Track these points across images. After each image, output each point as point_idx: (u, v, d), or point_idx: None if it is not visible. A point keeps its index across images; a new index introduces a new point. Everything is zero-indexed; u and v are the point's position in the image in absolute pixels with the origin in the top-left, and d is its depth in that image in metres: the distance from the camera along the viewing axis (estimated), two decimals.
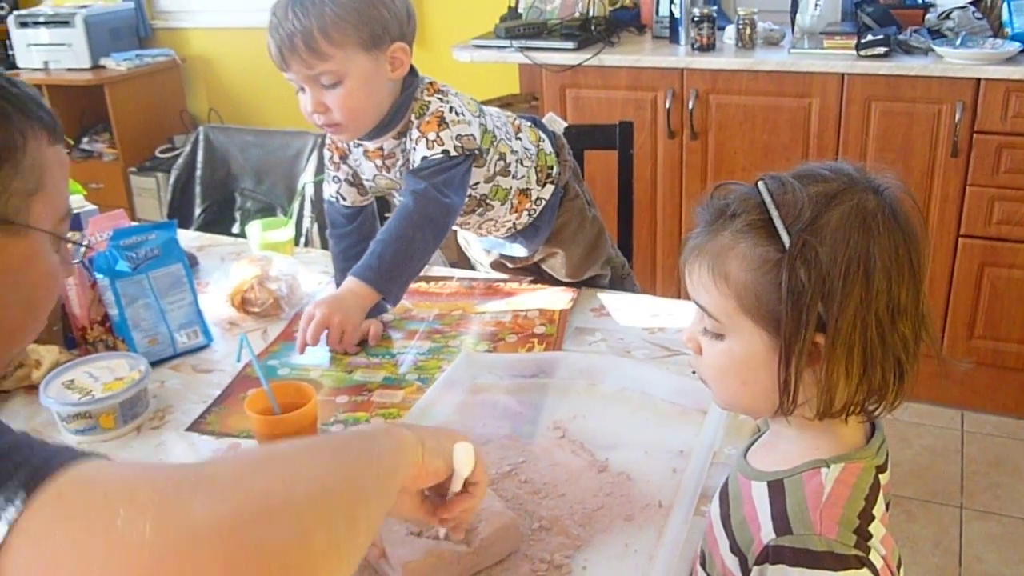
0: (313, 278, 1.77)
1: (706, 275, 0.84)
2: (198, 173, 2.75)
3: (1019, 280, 2.69)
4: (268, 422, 1.17)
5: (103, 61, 4.10)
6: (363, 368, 1.45)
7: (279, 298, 1.63)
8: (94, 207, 1.69)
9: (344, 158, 1.64)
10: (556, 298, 1.65)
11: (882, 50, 2.64)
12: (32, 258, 0.78)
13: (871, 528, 0.80)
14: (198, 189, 2.77)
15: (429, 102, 1.51)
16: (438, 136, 1.48)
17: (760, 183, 0.82)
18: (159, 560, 0.54)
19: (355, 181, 1.66)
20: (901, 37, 2.73)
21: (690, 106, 2.87)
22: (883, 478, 0.86)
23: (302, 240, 2.60)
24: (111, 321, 1.47)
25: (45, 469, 0.57)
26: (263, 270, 1.64)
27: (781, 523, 0.81)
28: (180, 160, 2.82)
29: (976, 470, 2.65)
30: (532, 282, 1.73)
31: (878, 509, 0.82)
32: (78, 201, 1.69)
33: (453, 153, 1.48)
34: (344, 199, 1.67)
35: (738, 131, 2.87)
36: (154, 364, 1.43)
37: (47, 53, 4.09)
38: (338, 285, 1.56)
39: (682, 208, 3.01)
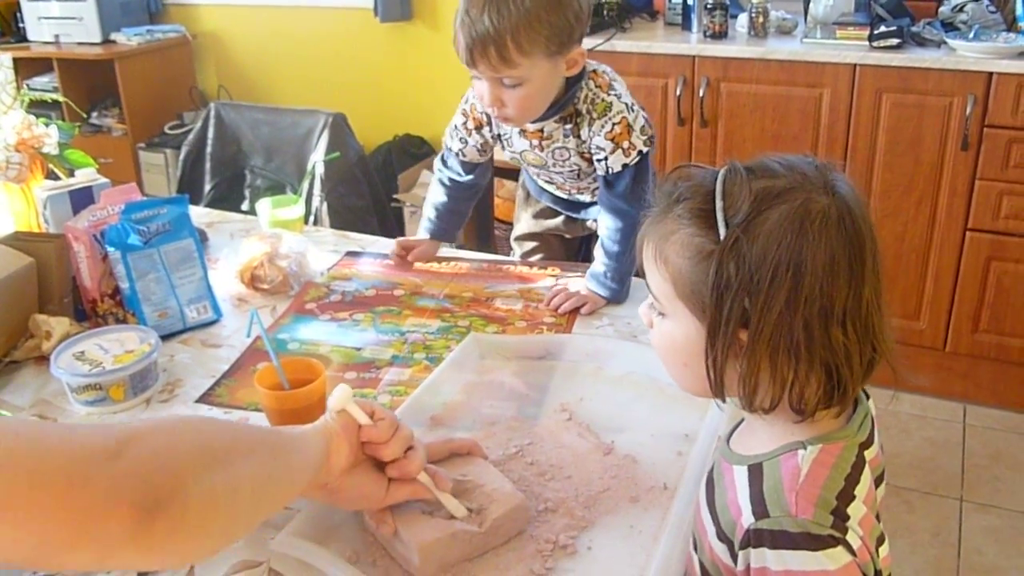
0: (323, 256, 1.77)
1: (650, 256, 0.86)
2: (208, 149, 2.75)
3: None
4: (277, 397, 1.18)
5: (114, 36, 4.10)
6: (372, 345, 1.46)
7: (288, 275, 1.63)
8: (106, 180, 1.69)
9: (480, 128, 1.71)
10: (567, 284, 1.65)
11: (895, 41, 2.64)
12: None
13: (850, 509, 0.80)
14: (208, 165, 2.77)
15: (606, 101, 1.57)
16: (631, 143, 1.56)
17: (722, 170, 0.82)
18: None
19: (484, 149, 1.74)
20: (914, 29, 2.73)
21: (701, 94, 2.87)
22: (868, 453, 0.86)
23: (311, 218, 2.61)
24: (122, 294, 1.48)
25: None
26: (273, 247, 1.65)
27: (759, 507, 0.82)
28: (191, 136, 2.82)
29: (977, 463, 2.65)
30: (543, 267, 1.74)
31: (861, 488, 0.82)
32: (90, 174, 1.70)
33: (644, 149, 1.57)
34: (464, 156, 1.76)
35: (748, 120, 2.86)
36: (164, 338, 1.44)
37: (58, 26, 4.09)
38: (432, 232, 1.80)
39: None
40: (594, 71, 1.60)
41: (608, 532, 1.02)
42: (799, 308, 0.77)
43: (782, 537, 0.79)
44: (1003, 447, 2.72)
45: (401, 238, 1.80)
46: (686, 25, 3.04)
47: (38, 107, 1.87)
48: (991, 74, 2.53)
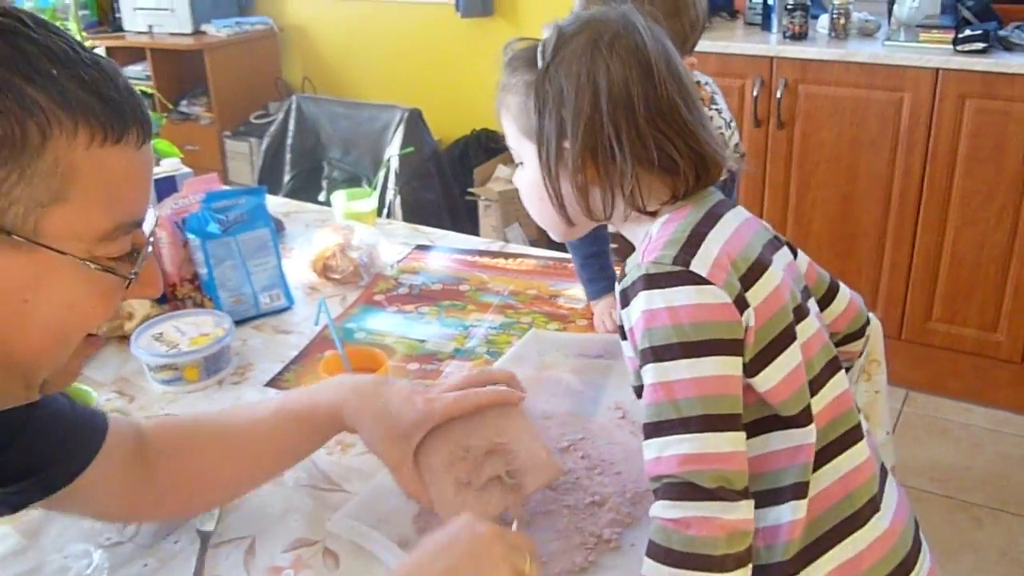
0: (393, 248, 1.82)
1: (501, 112, 1.02)
2: (289, 141, 2.84)
3: None
4: None
5: (204, 27, 4.23)
6: (436, 338, 1.50)
7: (359, 266, 1.68)
8: (189, 170, 1.77)
9: None
10: None
11: (980, 46, 2.58)
12: (44, 278, 0.66)
13: (699, 249, 0.88)
14: (288, 156, 2.85)
15: (707, 114, 1.57)
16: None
17: (545, 27, 0.99)
18: None
19: None
20: (1002, 33, 2.66)
21: (778, 95, 2.84)
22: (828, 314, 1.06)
23: (384, 211, 2.66)
24: (200, 279, 1.54)
25: None
26: (345, 238, 1.70)
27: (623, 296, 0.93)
28: (273, 128, 2.91)
29: None
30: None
31: (720, 227, 0.92)
32: (175, 164, 1.77)
33: (735, 167, 1.58)
34: None
35: (826, 122, 2.83)
36: (237, 323, 1.50)
37: (151, 17, 4.24)
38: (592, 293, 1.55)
39: (763, 198, 2.99)
40: (697, 82, 1.60)
41: None
42: (603, 108, 0.91)
43: (633, 286, 0.89)
44: None
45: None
46: (766, 25, 3.01)
47: None
48: None
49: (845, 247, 2.93)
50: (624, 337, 0.96)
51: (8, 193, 0.62)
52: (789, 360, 0.91)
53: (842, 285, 1.13)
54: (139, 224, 0.72)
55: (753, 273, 0.91)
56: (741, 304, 0.88)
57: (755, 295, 0.90)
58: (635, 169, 0.92)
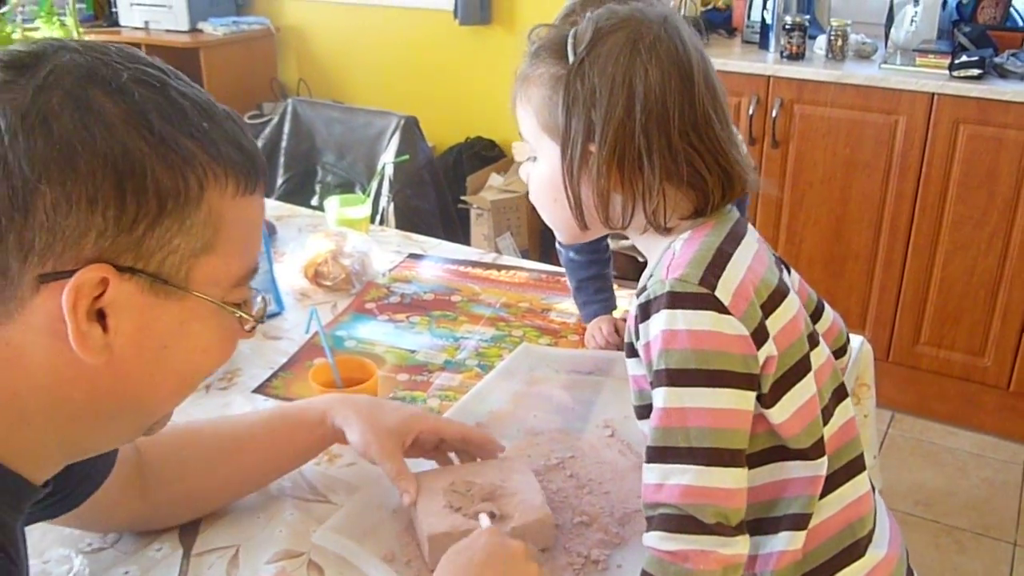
0: (386, 256, 1.81)
1: (519, 102, 0.97)
2: (283, 144, 2.83)
3: None
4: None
5: (200, 25, 4.21)
6: (426, 349, 1.49)
7: (351, 274, 1.67)
8: None
9: None
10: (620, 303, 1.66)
11: (976, 72, 2.59)
12: (187, 324, 0.69)
13: (723, 272, 0.86)
14: (282, 159, 2.85)
15: None
16: None
17: (558, 17, 0.95)
18: None
19: None
20: (997, 60, 2.68)
21: (774, 114, 2.85)
22: (820, 325, 1.01)
23: (377, 218, 2.65)
24: None
25: None
26: (338, 245, 1.69)
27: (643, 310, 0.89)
28: (267, 130, 2.90)
29: None
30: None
31: (740, 254, 0.89)
32: None
33: None
34: None
35: (820, 143, 2.84)
36: None
37: (148, 13, 4.22)
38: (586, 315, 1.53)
39: (756, 216, 2.99)
40: None
41: (640, 552, 1.02)
42: (636, 116, 0.87)
43: (645, 306, 0.87)
44: None
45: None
46: (763, 44, 3.02)
47: None
48: None
49: (836, 268, 2.94)
50: (631, 354, 0.94)
51: (169, 243, 0.65)
52: (804, 391, 0.89)
53: (825, 303, 1.13)
54: (256, 271, 0.75)
55: (773, 301, 0.89)
56: (762, 334, 0.86)
57: (775, 323, 0.88)
58: (662, 184, 0.89)
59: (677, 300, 0.84)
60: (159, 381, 0.70)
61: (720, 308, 0.84)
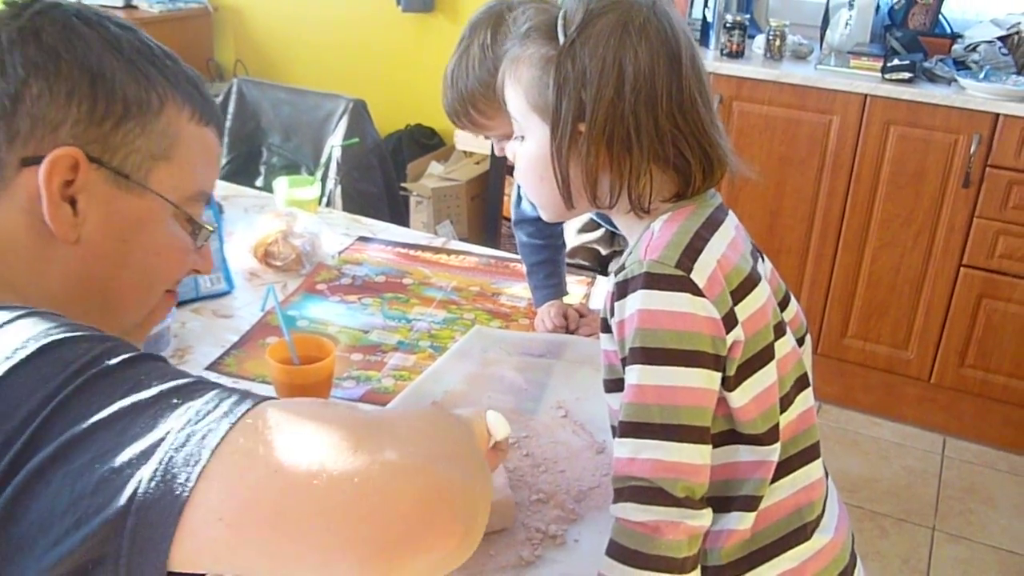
0: (334, 238, 1.81)
1: (508, 82, 0.98)
2: (228, 124, 2.79)
3: (1015, 314, 2.75)
4: (287, 371, 1.22)
5: (136, 1, 4.12)
6: (379, 329, 1.50)
7: (301, 254, 1.67)
8: None
9: None
10: (572, 290, 1.69)
11: (907, 75, 2.69)
12: (145, 222, 0.78)
13: (699, 256, 0.88)
14: (226, 140, 2.81)
15: None
16: None
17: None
18: (362, 490, 0.55)
19: None
20: (927, 64, 2.78)
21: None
22: (787, 314, 1.01)
23: (324, 200, 2.64)
24: None
25: (251, 398, 0.59)
26: (288, 225, 1.69)
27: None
28: None
29: (951, 495, 2.71)
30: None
31: (716, 240, 0.91)
32: None
33: None
34: None
35: (757, 140, 2.91)
36: (177, 305, 1.48)
37: None
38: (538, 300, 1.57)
39: None
40: None
41: (596, 527, 1.07)
42: (626, 97, 0.89)
43: (622, 285, 0.89)
44: (978, 481, 2.78)
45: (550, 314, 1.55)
46: (703, 42, 3.08)
47: None
48: (998, 115, 2.58)
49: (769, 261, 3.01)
50: (604, 329, 0.96)
51: (132, 143, 0.75)
52: (765, 378, 0.92)
53: (791, 293, 1.16)
54: (209, 200, 0.85)
55: (744, 288, 0.91)
56: (731, 319, 0.88)
57: (744, 310, 0.90)
58: (649, 165, 0.91)
59: (654, 281, 0.86)
60: (120, 275, 0.78)
61: (695, 290, 0.86)
